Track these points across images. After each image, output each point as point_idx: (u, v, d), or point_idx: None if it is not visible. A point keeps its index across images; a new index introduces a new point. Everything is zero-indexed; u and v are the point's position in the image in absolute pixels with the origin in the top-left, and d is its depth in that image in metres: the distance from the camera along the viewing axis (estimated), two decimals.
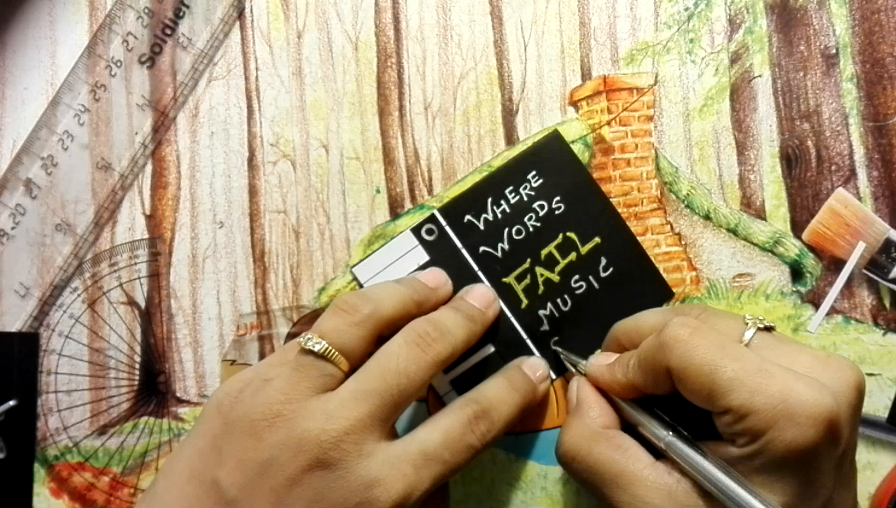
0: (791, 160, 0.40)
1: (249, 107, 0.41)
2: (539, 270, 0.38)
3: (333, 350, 0.32)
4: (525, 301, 0.39)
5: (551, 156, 0.39)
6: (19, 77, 0.42)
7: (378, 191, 0.41)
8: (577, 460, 0.33)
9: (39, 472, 0.40)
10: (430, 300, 0.37)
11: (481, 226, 0.39)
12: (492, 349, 0.38)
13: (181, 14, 0.41)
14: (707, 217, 0.40)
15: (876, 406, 0.39)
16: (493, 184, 0.39)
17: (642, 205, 0.40)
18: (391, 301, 0.34)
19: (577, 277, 0.38)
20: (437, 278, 0.38)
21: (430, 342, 0.33)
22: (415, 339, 0.33)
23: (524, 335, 0.38)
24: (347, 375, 0.33)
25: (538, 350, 0.39)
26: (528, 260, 0.39)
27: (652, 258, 0.39)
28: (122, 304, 0.41)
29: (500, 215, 0.39)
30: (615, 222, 0.39)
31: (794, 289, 0.40)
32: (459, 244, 0.39)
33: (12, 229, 0.41)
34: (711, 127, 0.40)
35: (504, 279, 0.39)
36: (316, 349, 0.32)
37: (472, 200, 0.39)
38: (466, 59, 0.41)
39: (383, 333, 0.34)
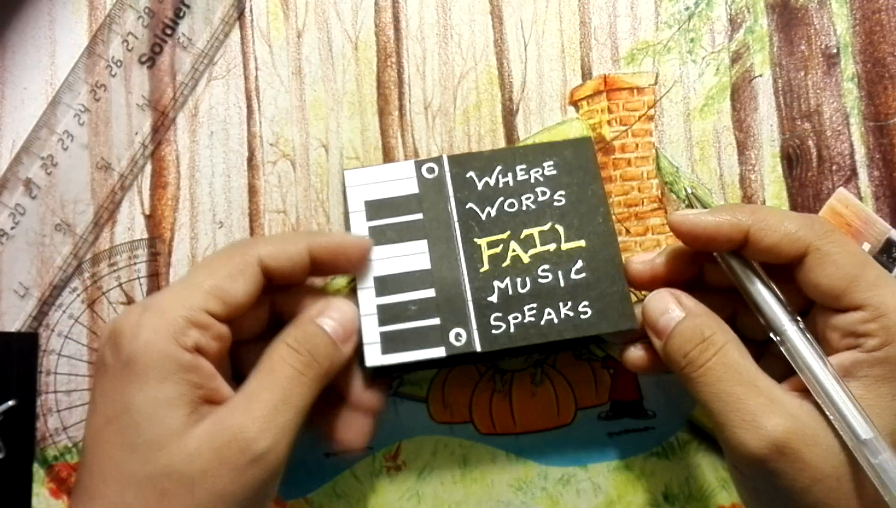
0: (792, 160, 0.40)
1: (249, 107, 0.41)
2: (513, 245, 0.38)
3: None
4: (486, 267, 0.37)
5: (575, 157, 0.38)
6: (19, 77, 0.42)
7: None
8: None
9: (39, 472, 0.40)
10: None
11: (479, 186, 0.38)
12: (432, 293, 0.38)
13: (181, 14, 0.41)
14: None
15: None
16: (510, 155, 0.38)
17: (643, 205, 0.40)
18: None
19: (546, 267, 0.37)
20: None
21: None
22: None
23: (468, 296, 0.37)
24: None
25: (475, 316, 0.37)
26: (508, 232, 0.38)
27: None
28: (121, 304, 0.41)
29: (500, 185, 0.38)
30: (607, 237, 0.37)
31: None
32: (451, 192, 0.38)
33: (12, 228, 0.41)
34: (712, 127, 0.40)
35: (476, 240, 0.38)
36: None
37: (483, 161, 0.38)
38: (466, 59, 0.41)
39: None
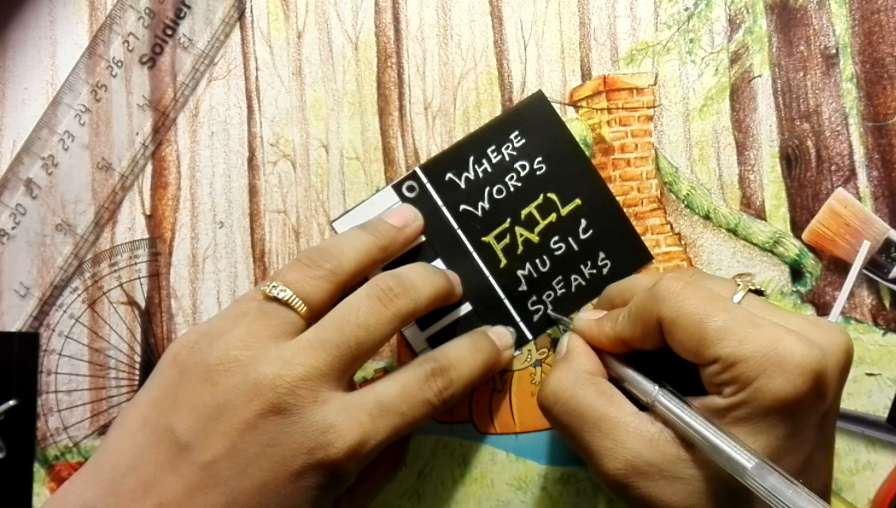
0: (791, 160, 0.40)
1: (249, 107, 0.41)
2: (519, 230, 0.38)
3: (297, 298, 0.32)
4: (504, 261, 0.38)
5: (534, 116, 0.39)
6: (19, 77, 0.42)
7: (378, 191, 0.41)
8: (560, 402, 0.32)
9: (39, 472, 0.40)
10: (398, 241, 0.37)
11: (462, 184, 0.39)
12: (469, 307, 0.38)
13: (182, 15, 0.41)
14: (707, 217, 0.40)
15: (876, 406, 0.39)
16: (476, 143, 0.39)
17: (642, 205, 0.40)
18: (353, 253, 0.34)
19: (556, 238, 0.38)
20: (405, 216, 0.38)
21: (392, 296, 0.33)
22: (377, 293, 0.33)
23: (501, 295, 0.38)
24: (308, 326, 0.33)
25: (515, 310, 0.38)
26: (508, 220, 0.38)
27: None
28: (122, 304, 0.41)
29: (481, 174, 0.39)
30: (596, 185, 0.39)
31: (793, 289, 0.40)
32: (440, 202, 0.39)
33: (13, 228, 0.41)
34: (711, 127, 0.40)
35: (483, 239, 0.39)
36: (281, 296, 0.32)
37: (454, 158, 0.39)
38: (466, 60, 0.41)
39: (348, 286, 0.34)
